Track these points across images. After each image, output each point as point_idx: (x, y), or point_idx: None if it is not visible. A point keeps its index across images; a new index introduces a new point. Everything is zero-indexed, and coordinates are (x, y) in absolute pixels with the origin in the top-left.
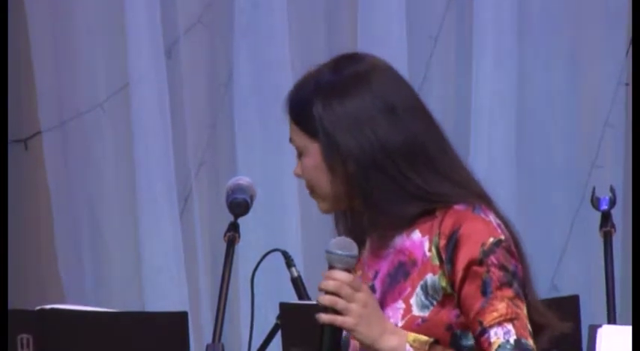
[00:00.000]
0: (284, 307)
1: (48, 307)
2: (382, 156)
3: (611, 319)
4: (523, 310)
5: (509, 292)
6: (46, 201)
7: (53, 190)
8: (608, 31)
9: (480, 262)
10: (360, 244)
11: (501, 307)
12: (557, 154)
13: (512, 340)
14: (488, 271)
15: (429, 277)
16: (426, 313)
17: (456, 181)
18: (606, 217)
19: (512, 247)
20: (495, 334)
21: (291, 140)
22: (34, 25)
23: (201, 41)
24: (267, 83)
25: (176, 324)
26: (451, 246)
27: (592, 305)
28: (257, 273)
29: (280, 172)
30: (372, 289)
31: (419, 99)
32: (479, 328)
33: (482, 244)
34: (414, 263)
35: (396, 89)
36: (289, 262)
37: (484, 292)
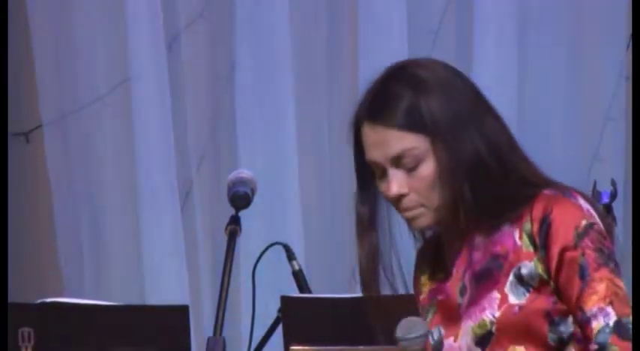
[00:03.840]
0: (285, 300)
1: (49, 300)
2: (491, 153)
3: None
4: (622, 287)
5: (606, 272)
6: (46, 194)
7: (54, 183)
8: (609, 24)
9: (575, 247)
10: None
11: (601, 288)
12: (557, 148)
13: (611, 323)
14: (583, 254)
15: (523, 265)
16: (522, 301)
17: (539, 171)
18: (607, 211)
19: (604, 231)
20: (596, 319)
21: (396, 159)
22: (35, 18)
23: (202, 35)
24: (268, 76)
25: (177, 317)
26: (544, 231)
27: None
28: (258, 266)
29: (282, 166)
30: (464, 288)
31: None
32: (580, 315)
33: (576, 228)
34: (505, 254)
35: (475, 88)
36: (290, 256)
37: (582, 277)
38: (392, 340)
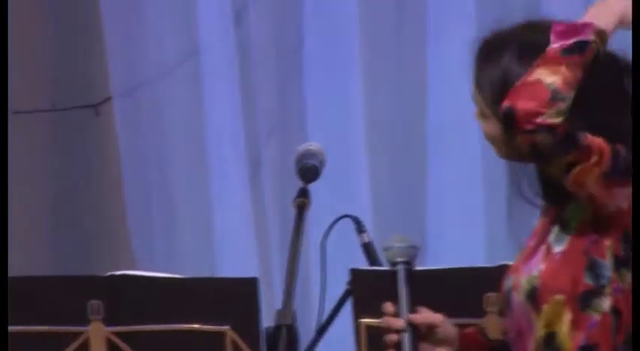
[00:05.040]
0: (354, 273)
1: (118, 273)
2: None
3: None
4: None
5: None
6: (116, 167)
7: (124, 155)
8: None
9: None
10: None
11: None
12: None
13: None
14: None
15: (567, 208)
16: (563, 247)
17: None
18: None
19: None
20: None
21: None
22: None
23: (270, 7)
24: (336, 49)
25: (246, 290)
26: None
27: None
28: (327, 239)
29: (350, 138)
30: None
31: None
32: None
33: None
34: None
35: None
36: (360, 228)
37: None
38: (447, 311)
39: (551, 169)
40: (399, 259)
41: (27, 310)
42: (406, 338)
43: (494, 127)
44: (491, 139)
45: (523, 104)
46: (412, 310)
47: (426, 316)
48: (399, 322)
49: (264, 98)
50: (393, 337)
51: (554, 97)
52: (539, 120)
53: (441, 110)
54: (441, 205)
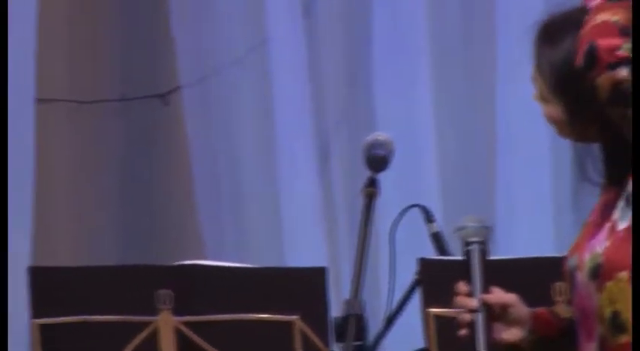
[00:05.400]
0: (423, 262)
1: (187, 262)
2: None
3: None
4: None
5: None
6: (185, 156)
7: (192, 145)
8: None
9: None
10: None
11: None
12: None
13: None
14: None
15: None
16: (628, 222)
17: None
18: None
19: None
20: None
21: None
22: None
23: None
24: (405, 39)
25: (315, 279)
26: None
27: None
28: (396, 229)
29: (419, 128)
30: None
31: None
32: None
33: None
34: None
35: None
36: (429, 218)
37: None
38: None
39: (629, 114)
40: (472, 239)
41: (96, 299)
42: (479, 318)
43: (554, 109)
44: (552, 120)
45: (602, 40)
46: (485, 290)
47: (499, 296)
48: (473, 302)
49: (333, 88)
50: (466, 317)
51: (623, 31)
52: (619, 52)
53: (510, 99)
54: (509, 196)
